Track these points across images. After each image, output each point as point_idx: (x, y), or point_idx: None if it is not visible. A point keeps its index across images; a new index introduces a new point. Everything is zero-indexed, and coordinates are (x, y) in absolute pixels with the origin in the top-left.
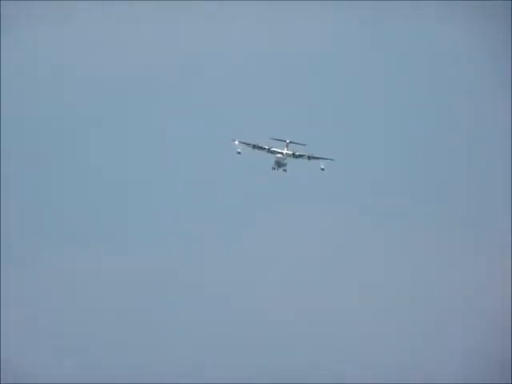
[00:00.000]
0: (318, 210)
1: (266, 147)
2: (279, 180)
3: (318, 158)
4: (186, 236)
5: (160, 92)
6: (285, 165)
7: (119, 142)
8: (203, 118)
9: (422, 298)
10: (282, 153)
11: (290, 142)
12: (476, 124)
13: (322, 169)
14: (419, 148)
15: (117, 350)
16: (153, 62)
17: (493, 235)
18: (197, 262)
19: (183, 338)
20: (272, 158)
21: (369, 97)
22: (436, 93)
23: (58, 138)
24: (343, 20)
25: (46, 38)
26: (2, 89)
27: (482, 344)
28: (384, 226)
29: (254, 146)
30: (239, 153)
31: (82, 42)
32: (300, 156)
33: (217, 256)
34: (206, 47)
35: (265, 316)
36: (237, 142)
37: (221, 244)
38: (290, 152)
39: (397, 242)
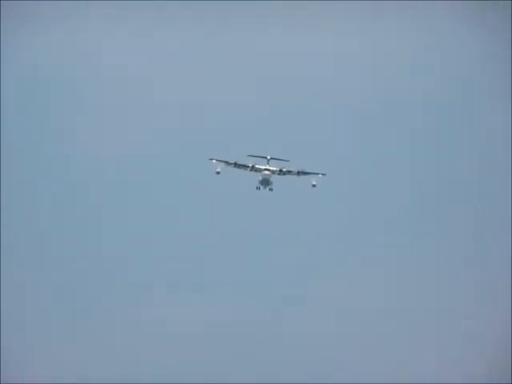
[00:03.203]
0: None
1: (250, 165)
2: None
3: (308, 174)
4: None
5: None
6: (271, 183)
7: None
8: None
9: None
10: (268, 169)
11: (272, 159)
12: (476, 138)
13: (314, 185)
14: (419, 180)
15: None
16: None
17: (493, 272)
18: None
19: None
20: (255, 177)
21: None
22: (434, 100)
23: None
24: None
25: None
26: (3, 90)
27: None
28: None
29: (236, 165)
30: (218, 173)
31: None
32: (288, 172)
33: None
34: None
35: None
36: (214, 161)
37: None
38: (277, 168)
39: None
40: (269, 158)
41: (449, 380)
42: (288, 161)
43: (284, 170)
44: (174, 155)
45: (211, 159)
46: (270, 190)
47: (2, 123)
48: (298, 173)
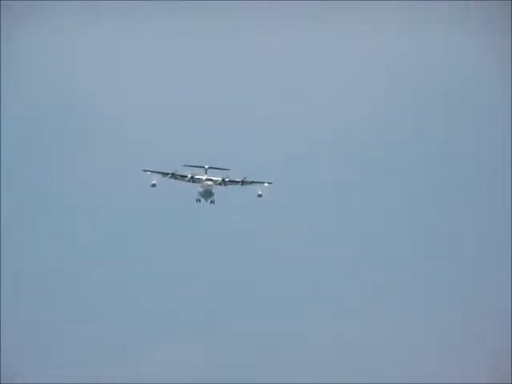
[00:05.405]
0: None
1: (189, 175)
2: None
3: (252, 183)
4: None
5: None
6: (213, 194)
7: None
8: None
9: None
10: (211, 179)
11: (210, 168)
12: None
13: (260, 195)
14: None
15: None
16: None
17: (493, 272)
18: None
19: None
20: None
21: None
22: (430, 100)
23: None
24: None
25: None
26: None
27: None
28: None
29: (173, 176)
30: (154, 185)
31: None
32: (231, 182)
33: None
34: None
35: None
36: (149, 173)
37: None
38: (219, 178)
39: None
40: (207, 167)
41: (449, 380)
42: (228, 169)
43: (227, 179)
44: None
45: (145, 170)
46: (212, 202)
47: (2, 126)
48: (242, 182)
